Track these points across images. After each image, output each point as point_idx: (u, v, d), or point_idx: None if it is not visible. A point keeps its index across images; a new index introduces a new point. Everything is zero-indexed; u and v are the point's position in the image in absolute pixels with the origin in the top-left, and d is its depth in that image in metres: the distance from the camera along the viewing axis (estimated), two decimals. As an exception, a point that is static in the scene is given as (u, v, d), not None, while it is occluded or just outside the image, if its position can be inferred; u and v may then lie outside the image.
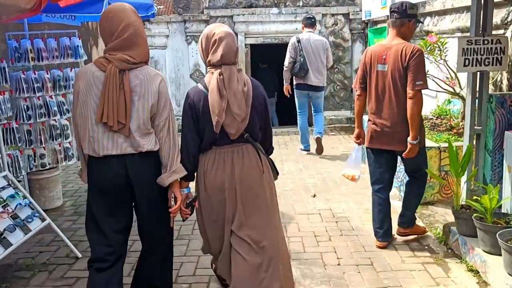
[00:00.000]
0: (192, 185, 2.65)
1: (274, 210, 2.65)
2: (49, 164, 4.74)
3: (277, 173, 2.77)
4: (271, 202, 2.61)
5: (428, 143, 4.41)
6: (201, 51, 2.55)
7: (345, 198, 4.91)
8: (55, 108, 4.61)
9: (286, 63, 6.52)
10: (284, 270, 2.60)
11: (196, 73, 9.01)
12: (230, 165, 2.49)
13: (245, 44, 9.17)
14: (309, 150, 6.95)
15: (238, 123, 2.42)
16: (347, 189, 5.20)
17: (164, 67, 9.07)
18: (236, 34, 9.06)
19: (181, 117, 2.61)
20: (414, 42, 6.79)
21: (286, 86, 6.72)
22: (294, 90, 6.75)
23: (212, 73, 2.45)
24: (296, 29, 9.08)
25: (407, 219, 3.80)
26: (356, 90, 3.87)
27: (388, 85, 3.52)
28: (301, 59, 6.38)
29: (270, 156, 2.72)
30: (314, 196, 5.00)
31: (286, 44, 9.06)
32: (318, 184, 5.42)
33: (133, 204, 2.44)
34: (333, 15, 9.20)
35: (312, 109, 6.94)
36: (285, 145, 7.57)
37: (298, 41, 6.48)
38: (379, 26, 8.24)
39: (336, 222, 4.26)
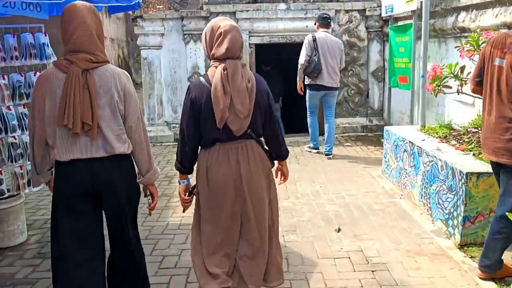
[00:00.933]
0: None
1: (274, 208, 2.65)
2: (8, 191, 3.79)
3: (273, 165, 2.68)
4: (272, 199, 2.62)
5: (486, 165, 3.47)
6: (204, 44, 2.48)
7: (378, 234, 3.94)
8: (14, 122, 3.66)
9: (302, 60, 6.26)
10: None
11: (195, 76, 8.04)
12: (235, 162, 2.43)
13: (249, 44, 8.21)
14: (318, 149, 6.82)
15: (241, 120, 2.35)
16: (377, 220, 4.24)
17: (159, 70, 8.11)
18: (239, 33, 8.10)
19: (179, 125, 2.55)
20: (449, 40, 5.73)
21: (300, 84, 6.44)
22: (307, 90, 6.53)
23: (216, 67, 2.37)
24: (307, 26, 8.14)
25: (491, 264, 3.00)
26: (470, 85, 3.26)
27: (502, 84, 2.87)
28: (316, 59, 6.19)
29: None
30: (339, 230, 4.03)
31: (294, 44, 8.20)
32: (341, 213, 4.46)
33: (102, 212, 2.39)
34: (347, 11, 8.24)
35: (324, 111, 6.70)
36: (296, 159, 6.60)
37: (314, 40, 6.28)
38: (402, 23, 7.29)
39: (373, 271, 3.29)
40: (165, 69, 8.15)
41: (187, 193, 2.58)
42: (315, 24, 6.70)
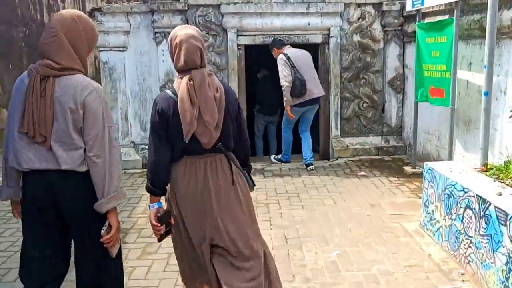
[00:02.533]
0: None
1: (252, 221, 2.48)
2: None
3: (254, 185, 2.56)
4: (248, 214, 2.45)
5: None
6: (170, 56, 2.38)
7: None
8: None
9: (287, 80, 5.82)
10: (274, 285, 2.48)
11: (169, 84, 6.39)
12: (202, 176, 2.32)
13: (237, 45, 6.57)
14: (289, 163, 6.48)
15: (211, 132, 2.26)
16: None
17: (123, 77, 6.43)
18: (225, 31, 6.46)
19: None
20: (505, 42, 4.53)
21: (288, 109, 5.98)
22: (293, 109, 6.05)
23: (181, 78, 2.27)
24: (309, 24, 6.54)
25: None
26: None
27: None
28: (298, 76, 5.84)
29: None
30: None
31: (294, 46, 6.59)
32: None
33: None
34: (359, 5, 6.64)
35: (301, 126, 6.31)
36: (298, 198, 4.98)
37: (288, 58, 5.91)
38: (430, 19, 5.70)
39: None
40: (131, 76, 6.47)
41: (156, 218, 2.35)
42: (271, 49, 6.23)
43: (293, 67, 5.83)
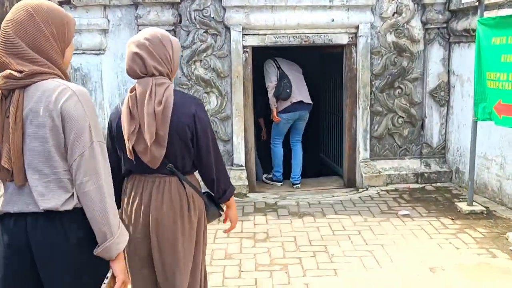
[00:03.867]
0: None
1: (196, 260, 2.20)
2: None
3: (221, 210, 2.26)
4: (190, 249, 2.15)
5: None
6: None
7: None
8: None
9: (272, 80, 5.49)
10: None
11: None
12: (147, 198, 2.09)
13: (243, 47, 5.27)
14: (282, 182, 5.82)
15: (152, 150, 2.01)
16: None
17: (99, 87, 5.13)
18: (228, 29, 5.16)
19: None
20: None
21: (274, 110, 5.55)
22: (280, 116, 5.58)
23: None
24: (333, 20, 5.24)
25: None
26: None
27: None
28: (284, 77, 5.45)
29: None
30: None
31: (313, 47, 5.30)
32: None
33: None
34: (394, -3, 5.34)
35: (292, 138, 5.87)
36: (326, 255, 3.68)
37: (274, 60, 5.59)
38: (497, 13, 4.39)
39: None
40: (111, 85, 5.17)
41: None
42: None
43: (278, 68, 5.51)
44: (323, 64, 6.66)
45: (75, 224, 1.58)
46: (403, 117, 5.57)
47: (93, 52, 5.05)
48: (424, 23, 5.40)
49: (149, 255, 2.12)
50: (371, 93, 5.48)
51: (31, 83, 1.52)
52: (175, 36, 5.14)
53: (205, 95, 5.28)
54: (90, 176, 1.53)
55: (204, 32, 5.18)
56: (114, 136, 2.10)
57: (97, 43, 5.03)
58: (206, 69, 5.25)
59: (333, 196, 5.18)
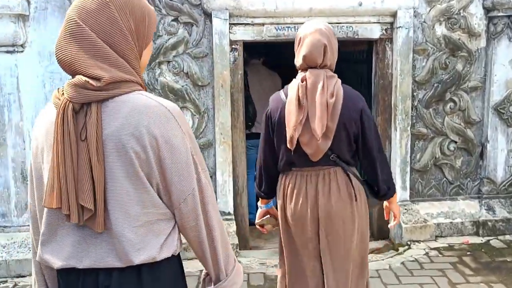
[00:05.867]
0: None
1: (363, 252, 2.18)
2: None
3: (379, 200, 2.22)
4: (358, 239, 2.13)
5: None
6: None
7: None
8: None
9: None
10: None
11: None
12: (313, 192, 2.08)
13: (231, 42, 3.62)
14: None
15: (317, 142, 1.99)
16: None
17: (15, 102, 3.44)
18: (208, 17, 3.52)
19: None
20: None
21: None
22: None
23: (296, 78, 2.08)
24: (360, 5, 3.64)
25: None
26: None
27: None
28: (250, 104, 4.10)
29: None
30: None
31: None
32: None
33: None
34: (447, -27, 3.74)
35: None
36: None
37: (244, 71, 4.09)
38: None
39: None
40: (34, 99, 3.48)
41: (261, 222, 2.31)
42: None
43: (246, 88, 4.03)
44: (340, 68, 5.00)
45: (171, 274, 1.24)
46: (455, 142, 3.97)
47: (5, 49, 3.37)
48: (487, 10, 3.80)
49: (316, 248, 2.10)
50: (412, 109, 3.87)
51: (112, 95, 1.12)
52: (130, 25, 3.49)
53: (175, 112, 3.63)
54: (201, 218, 1.22)
55: (173, 21, 3.53)
56: (274, 126, 2.07)
57: (10, 36, 3.34)
58: (176, 74, 3.60)
59: (363, 260, 3.55)
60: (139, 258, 1.14)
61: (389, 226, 2.38)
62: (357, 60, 4.38)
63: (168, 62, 3.57)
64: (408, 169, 3.90)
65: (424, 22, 3.78)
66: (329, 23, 3.68)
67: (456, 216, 3.95)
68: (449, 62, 3.85)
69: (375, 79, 3.94)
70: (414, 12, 3.73)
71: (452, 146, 3.97)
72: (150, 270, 1.17)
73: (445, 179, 4.02)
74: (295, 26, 3.67)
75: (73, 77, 1.12)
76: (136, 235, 1.15)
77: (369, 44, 3.96)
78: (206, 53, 3.60)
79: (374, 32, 3.79)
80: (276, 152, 2.11)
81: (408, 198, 3.93)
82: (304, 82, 1.98)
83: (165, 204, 1.19)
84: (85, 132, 1.11)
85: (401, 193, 3.90)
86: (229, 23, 3.56)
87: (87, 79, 1.09)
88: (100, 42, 1.12)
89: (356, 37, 3.78)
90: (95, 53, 1.11)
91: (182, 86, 3.60)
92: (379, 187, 2.13)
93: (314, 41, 1.97)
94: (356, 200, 2.07)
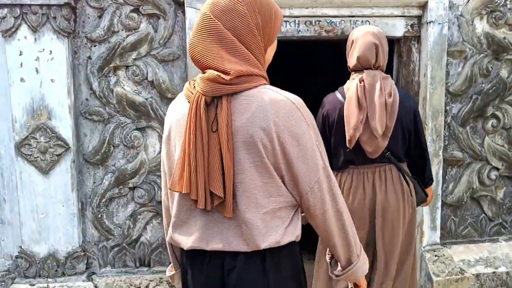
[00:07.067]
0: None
1: (412, 246, 2.32)
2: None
3: (426, 195, 2.33)
4: (410, 234, 2.29)
5: None
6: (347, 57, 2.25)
7: None
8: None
9: None
10: None
11: (45, 132, 2.56)
12: (371, 189, 2.19)
13: (211, 41, 2.74)
14: None
15: (377, 140, 2.09)
16: None
17: None
18: (181, 5, 2.63)
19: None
20: None
21: None
22: None
23: (353, 79, 2.15)
24: (381, -8, 2.72)
25: None
26: None
27: None
28: None
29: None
30: None
31: (336, 44, 2.90)
32: None
33: None
34: (491, -49, 2.88)
35: None
36: None
37: None
38: None
39: None
40: None
41: None
42: None
43: None
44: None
45: (292, 259, 1.31)
46: (498, 169, 3.13)
47: None
48: (542, 0, 2.96)
49: (372, 243, 2.19)
50: (445, 127, 3.02)
51: (241, 89, 1.19)
52: (75, 19, 2.61)
53: (136, 133, 2.74)
54: (329, 204, 1.28)
55: (132, 12, 2.64)
56: (332, 126, 2.12)
57: None
58: (137, 83, 2.71)
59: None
60: (265, 243, 1.21)
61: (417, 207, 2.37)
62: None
63: (127, 67, 2.68)
64: (439, 203, 3.05)
65: (461, 16, 2.93)
66: (340, 17, 2.86)
67: (497, 262, 3.11)
68: (491, 67, 3.00)
69: (398, 88, 3.07)
70: (450, 4, 2.88)
71: (493, 174, 3.12)
72: (272, 255, 1.23)
73: (483, 215, 3.18)
74: (295, 20, 2.80)
75: (203, 72, 1.20)
76: (262, 221, 1.21)
77: (390, 43, 3.09)
78: (178, 55, 2.72)
79: (397, 28, 2.93)
80: (332, 151, 2.16)
81: (438, 241, 3.08)
82: (362, 83, 2.04)
83: (290, 193, 1.25)
84: (216, 124, 1.18)
85: (430, 234, 3.05)
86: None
87: (218, 73, 1.16)
88: (231, 37, 1.19)
89: (374, 34, 2.91)
90: (226, 47, 1.18)
91: (146, 99, 2.72)
92: (425, 181, 2.33)
93: (366, 42, 2.07)
94: (410, 195, 2.21)
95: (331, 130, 2.16)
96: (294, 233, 1.27)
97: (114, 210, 2.80)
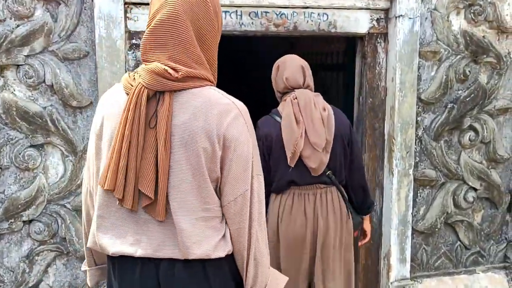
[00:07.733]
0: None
1: (351, 267, 2.19)
2: None
3: (361, 218, 2.23)
4: (347, 258, 2.17)
5: None
6: (273, 85, 2.20)
7: None
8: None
9: None
10: None
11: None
12: (311, 212, 2.08)
13: (129, 34, 2.17)
14: None
15: (319, 154, 2.02)
16: None
17: None
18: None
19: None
20: None
21: None
22: None
23: (285, 100, 2.08)
24: (341, -22, 2.20)
25: None
26: None
27: None
28: None
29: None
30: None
31: (287, 42, 2.28)
32: None
33: None
34: None
35: None
36: None
37: None
38: None
39: None
40: None
41: None
42: None
43: None
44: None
45: (230, 270, 1.24)
46: (476, 189, 2.70)
47: None
48: (525, -6, 2.54)
49: (308, 269, 2.12)
50: (416, 141, 2.56)
51: (186, 87, 1.15)
52: None
53: (31, 151, 2.13)
54: (246, 223, 1.21)
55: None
56: (271, 148, 2.07)
57: None
58: (32, 87, 2.11)
59: None
60: (195, 253, 1.14)
61: (359, 245, 2.31)
62: (329, 67, 3.06)
63: (18, 66, 2.07)
64: (409, 231, 2.60)
65: (435, 9, 2.48)
66: (291, 8, 2.34)
67: (475, 298, 2.68)
68: (469, 71, 2.56)
69: (360, 95, 2.59)
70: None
71: (470, 196, 2.69)
72: (211, 263, 1.17)
73: (459, 243, 2.74)
74: (237, 11, 2.27)
75: (149, 62, 1.14)
76: (196, 228, 1.15)
77: (349, 41, 2.61)
78: (86, 52, 2.13)
79: (360, 23, 2.44)
80: (272, 173, 2.08)
81: (408, 275, 2.62)
82: (296, 100, 2.03)
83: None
84: (155, 119, 1.12)
85: (398, 268, 2.59)
86: (125, 1, 2.11)
87: (166, 68, 1.11)
88: (193, 37, 1.15)
89: (333, 30, 2.42)
90: (185, 46, 1.14)
91: (44, 108, 2.12)
92: (364, 200, 2.19)
93: (293, 64, 2.08)
94: (348, 219, 2.14)
95: (269, 151, 2.06)
96: (226, 248, 1.19)
97: (5, 250, 2.19)
